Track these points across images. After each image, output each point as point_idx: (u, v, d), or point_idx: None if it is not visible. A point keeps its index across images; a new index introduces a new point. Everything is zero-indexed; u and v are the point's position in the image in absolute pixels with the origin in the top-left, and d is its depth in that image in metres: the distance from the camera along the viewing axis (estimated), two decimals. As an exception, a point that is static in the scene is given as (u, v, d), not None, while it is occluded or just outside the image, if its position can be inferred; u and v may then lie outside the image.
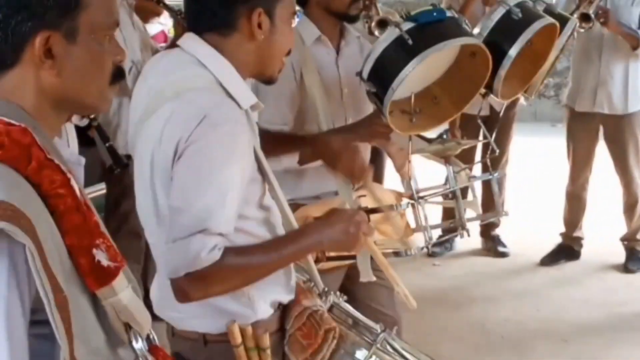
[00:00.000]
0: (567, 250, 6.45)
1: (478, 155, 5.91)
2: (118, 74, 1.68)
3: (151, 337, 1.67)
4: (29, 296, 1.43)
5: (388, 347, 2.44)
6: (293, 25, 2.51)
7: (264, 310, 2.42)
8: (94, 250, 1.50)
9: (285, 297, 2.49)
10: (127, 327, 1.60)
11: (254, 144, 2.34)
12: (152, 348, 1.66)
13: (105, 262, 1.51)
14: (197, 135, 2.19)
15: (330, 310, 2.54)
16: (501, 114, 4.48)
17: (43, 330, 1.46)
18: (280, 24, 2.42)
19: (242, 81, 2.38)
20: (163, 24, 8.32)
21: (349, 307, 2.63)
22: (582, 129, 6.25)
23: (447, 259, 6.53)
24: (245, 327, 2.36)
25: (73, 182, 1.51)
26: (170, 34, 6.48)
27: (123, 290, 1.55)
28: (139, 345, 1.61)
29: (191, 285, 2.18)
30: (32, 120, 1.53)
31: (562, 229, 6.48)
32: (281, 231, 2.48)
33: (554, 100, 12.50)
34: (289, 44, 2.49)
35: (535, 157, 9.44)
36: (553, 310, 5.57)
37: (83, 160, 1.65)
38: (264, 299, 2.42)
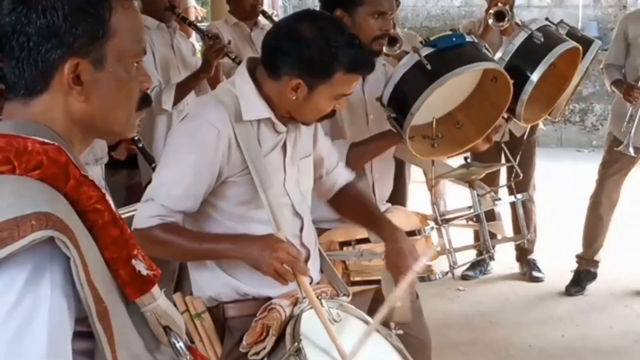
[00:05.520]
0: (587, 273, 6.38)
1: (502, 180, 5.91)
2: (144, 101, 1.71)
3: (185, 339, 1.72)
4: (72, 305, 1.46)
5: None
6: (340, 101, 2.77)
7: (219, 290, 2.81)
8: (133, 261, 1.56)
9: (252, 290, 2.80)
10: (167, 330, 1.66)
11: (249, 152, 2.68)
12: (188, 348, 1.71)
13: (144, 271, 1.57)
14: (175, 127, 2.81)
15: (297, 318, 2.66)
16: (525, 137, 4.46)
17: (81, 346, 1.49)
18: (318, 98, 2.71)
19: (257, 98, 2.72)
20: (193, 46, 8.39)
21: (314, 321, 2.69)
22: (622, 157, 6.07)
23: (472, 284, 6.50)
24: (188, 296, 2.80)
25: (108, 197, 1.56)
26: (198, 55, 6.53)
27: (160, 296, 1.62)
28: (180, 344, 1.68)
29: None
30: (61, 140, 1.56)
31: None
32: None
33: (579, 126, 12.48)
34: (325, 111, 2.77)
35: (561, 182, 9.40)
36: (577, 337, 5.52)
37: (103, 183, 1.68)
38: (222, 280, 2.80)
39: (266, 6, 8.01)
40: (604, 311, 5.98)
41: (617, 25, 6.43)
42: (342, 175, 3.14)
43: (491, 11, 5.93)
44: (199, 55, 5.82)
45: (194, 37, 8.39)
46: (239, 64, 5.02)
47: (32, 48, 1.55)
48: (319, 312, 2.64)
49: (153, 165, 4.63)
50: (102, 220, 1.52)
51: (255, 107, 2.72)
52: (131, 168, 5.19)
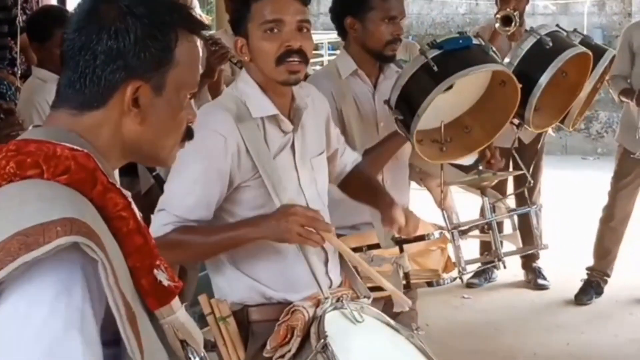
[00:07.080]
0: (597, 286, 6.35)
1: (509, 188, 5.89)
2: (189, 134, 1.73)
3: (203, 355, 1.70)
4: (99, 312, 1.44)
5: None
6: (282, 33, 2.71)
7: (244, 295, 2.79)
8: (155, 271, 1.55)
9: (275, 294, 2.80)
10: (184, 344, 1.65)
11: (258, 155, 2.71)
12: None
13: (165, 282, 1.57)
14: None
15: (320, 318, 2.64)
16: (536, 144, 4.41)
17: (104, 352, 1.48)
18: (253, 40, 2.73)
19: (260, 95, 2.77)
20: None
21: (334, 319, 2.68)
22: (634, 169, 6.07)
23: (476, 291, 6.48)
24: (214, 299, 2.78)
25: (133, 205, 1.56)
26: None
27: (180, 309, 1.62)
28: None
29: None
30: (94, 150, 1.57)
31: (591, 263, 6.39)
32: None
33: (584, 134, 12.46)
34: (271, 51, 2.72)
35: (566, 190, 9.38)
36: (583, 345, 5.50)
37: (129, 193, 1.67)
38: (245, 284, 2.79)
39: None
40: (610, 319, 5.96)
41: (621, 36, 6.41)
42: (349, 159, 3.17)
43: (498, 15, 5.93)
44: None
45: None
46: (241, 68, 5.02)
47: (97, 66, 1.58)
48: (348, 255, 2.72)
49: (154, 173, 4.63)
50: (127, 228, 1.53)
51: (262, 104, 2.77)
52: (132, 177, 5.19)
